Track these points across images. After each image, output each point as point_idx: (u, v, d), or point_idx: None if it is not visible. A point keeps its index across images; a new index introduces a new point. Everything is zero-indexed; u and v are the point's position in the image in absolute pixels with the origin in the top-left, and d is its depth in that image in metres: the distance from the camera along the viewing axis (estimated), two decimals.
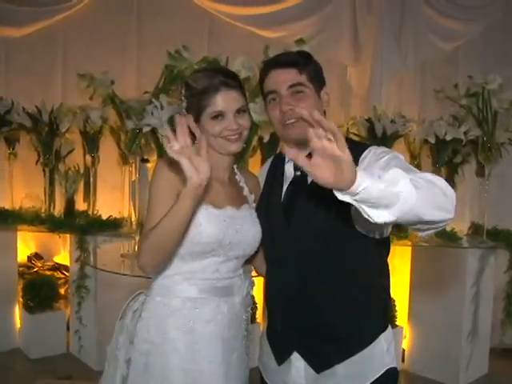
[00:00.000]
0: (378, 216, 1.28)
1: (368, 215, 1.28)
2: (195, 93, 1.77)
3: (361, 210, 1.28)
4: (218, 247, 1.74)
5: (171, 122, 2.87)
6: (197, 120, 1.76)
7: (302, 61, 1.78)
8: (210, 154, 1.76)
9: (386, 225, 1.67)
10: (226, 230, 1.75)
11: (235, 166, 1.96)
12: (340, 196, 1.27)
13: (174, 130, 1.49)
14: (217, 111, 1.74)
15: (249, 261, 1.93)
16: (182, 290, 1.77)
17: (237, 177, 1.93)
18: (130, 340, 1.81)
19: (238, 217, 1.80)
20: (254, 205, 1.91)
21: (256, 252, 1.90)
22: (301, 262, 1.76)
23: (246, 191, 1.91)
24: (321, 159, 1.22)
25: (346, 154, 1.20)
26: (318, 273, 1.74)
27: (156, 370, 1.75)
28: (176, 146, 1.46)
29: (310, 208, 1.73)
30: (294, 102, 1.74)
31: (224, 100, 1.74)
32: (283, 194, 1.84)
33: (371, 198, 1.25)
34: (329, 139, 1.20)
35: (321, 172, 1.23)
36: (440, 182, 1.37)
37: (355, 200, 1.26)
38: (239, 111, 1.77)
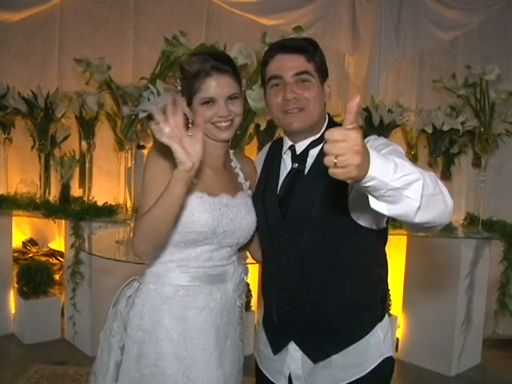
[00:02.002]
0: (377, 205, 1.27)
1: (369, 199, 1.27)
2: (188, 76, 1.74)
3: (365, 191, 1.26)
4: (212, 235, 1.73)
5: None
6: (189, 104, 1.74)
7: (310, 48, 1.73)
8: (205, 141, 1.76)
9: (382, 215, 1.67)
10: (221, 218, 1.73)
11: (231, 152, 1.94)
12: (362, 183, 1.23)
13: (164, 113, 1.45)
14: (207, 97, 1.71)
15: (244, 247, 1.92)
16: (174, 278, 1.76)
17: (232, 163, 1.91)
18: (124, 326, 1.80)
19: (233, 205, 1.78)
20: (250, 191, 1.89)
21: (251, 238, 1.89)
22: (297, 253, 1.74)
23: (241, 178, 1.89)
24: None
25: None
26: (315, 264, 1.73)
27: (150, 358, 1.74)
28: (166, 128, 1.43)
29: (306, 200, 1.71)
30: (299, 90, 1.69)
31: (215, 85, 1.71)
32: (279, 185, 1.81)
33: (376, 192, 1.23)
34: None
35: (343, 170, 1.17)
36: (443, 187, 1.35)
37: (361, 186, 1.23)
38: (231, 97, 1.73)
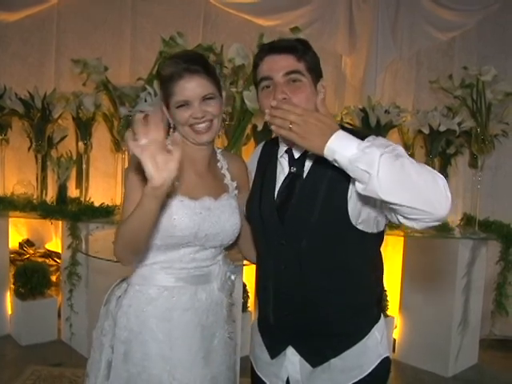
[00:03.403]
0: (358, 186, 1.42)
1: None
2: (163, 80, 1.74)
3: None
4: (194, 239, 1.73)
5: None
6: (168, 108, 1.74)
7: (300, 48, 1.67)
8: (185, 145, 1.74)
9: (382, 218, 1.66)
10: (202, 222, 1.72)
11: (219, 151, 1.92)
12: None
13: (145, 122, 1.37)
14: (180, 100, 1.70)
15: (232, 246, 1.92)
16: (159, 279, 1.77)
17: (219, 164, 1.89)
18: (115, 326, 1.81)
19: (216, 207, 1.77)
20: (236, 191, 1.88)
21: (241, 238, 1.89)
22: (296, 259, 1.70)
23: (227, 179, 1.87)
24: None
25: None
26: (314, 269, 1.69)
27: (136, 358, 1.75)
28: (143, 141, 1.35)
29: (305, 206, 1.67)
30: (289, 90, 1.62)
31: (187, 87, 1.68)
32: (277, 190, 1.75)
33: (348, 171, 1.41)
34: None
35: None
36: (439, 179, 1.38)
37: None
38: (206, 98, 1.70)
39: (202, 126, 1.72)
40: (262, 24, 4.43)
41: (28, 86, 4.03)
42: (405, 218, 1.43)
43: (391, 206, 1.40)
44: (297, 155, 1.72)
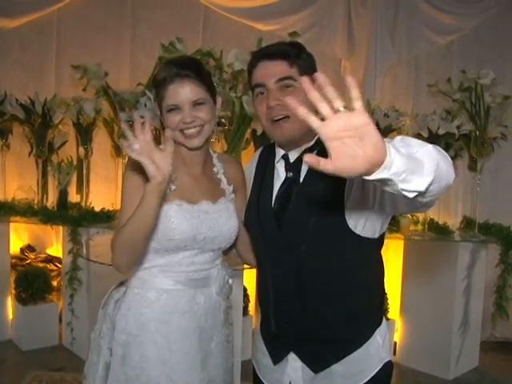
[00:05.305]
0: (416, 185, 1.12)
1: (406, 190, 1.12)
2: (155, 85, 1.76)
3: (396, 187, 1.12)
4: (192, 242, 1.74)
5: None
6: (161, 113, 1.76)
7: (293, 52, 1.66)
8: (180, 150, 1.76)
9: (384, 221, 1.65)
10: (200, 225, 1.74)
11: (215, 155, 1.93)
12: (374, 176, 1.09)
13: (131, 126, 1.47)
14: (171, 105, 1.71)
15: (229, 250, 1.93)
16: (158, 282, 1.78)
17: (215, 168, 1.89)
18: (113, 328, 1.82)
19: (213, 211, 1.79)
20: (233, 195, 1.89)
21: (237, 242, 1.91)
22: (295, 264, 1.69)
23: (223, 183, 1.88)
24: (342, 146, 1.06)
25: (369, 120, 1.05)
26: (313, 274, 1.68)
27: (134, 361, 1.76)
28: (136, 145, 1.45)
29: (303, 210, 1.66)
30: (283, 96, 1.57)
31: (177, 92, 1.70)
32: (274, 196, 1.75)
33: (402, 166, 1.09)
34: (337, 110, 1.06)
35: (349, 162, 1.07)
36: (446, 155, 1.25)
37: (391, 174, 1.09)
38: (196, 103, 1.71)
39: (192, 130, 1.73)
40: (261, 29, 4.45)
41: (28, 92, 4.04)
42: (416, 205, 1.29)
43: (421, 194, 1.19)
44: (292, 159, 1.72)
